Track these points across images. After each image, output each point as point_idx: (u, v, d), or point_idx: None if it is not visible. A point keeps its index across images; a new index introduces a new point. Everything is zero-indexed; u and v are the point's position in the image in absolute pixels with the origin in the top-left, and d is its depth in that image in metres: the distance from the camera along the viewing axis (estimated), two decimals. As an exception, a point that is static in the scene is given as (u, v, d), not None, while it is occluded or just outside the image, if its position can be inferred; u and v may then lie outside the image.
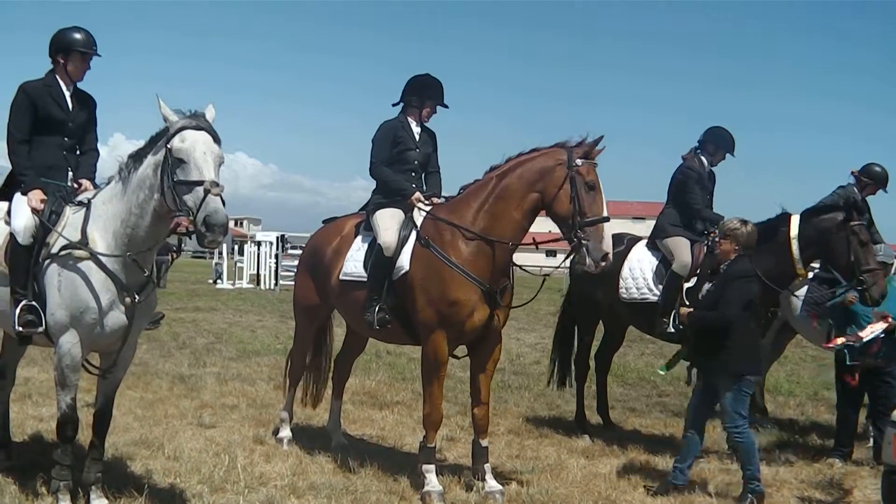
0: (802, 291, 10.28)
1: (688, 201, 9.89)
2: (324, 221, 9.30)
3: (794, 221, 9.14)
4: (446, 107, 8.59)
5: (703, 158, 10.02)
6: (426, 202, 8.20)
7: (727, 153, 10.06)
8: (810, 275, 9.87)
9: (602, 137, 7.44)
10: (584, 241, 7.20)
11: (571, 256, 7.62)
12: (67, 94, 7.16)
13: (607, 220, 7.28)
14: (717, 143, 10.02)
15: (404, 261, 7.82)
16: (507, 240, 7.57)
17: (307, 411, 10.58)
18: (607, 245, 7.21)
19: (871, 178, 10.90)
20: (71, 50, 7.07)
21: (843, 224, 8.91)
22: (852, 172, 11.02)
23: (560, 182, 7.34)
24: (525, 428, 10.50)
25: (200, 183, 5.74)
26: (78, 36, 7.07)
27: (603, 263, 7.23)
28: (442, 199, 8.37)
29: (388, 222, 8.04)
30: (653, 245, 9.93)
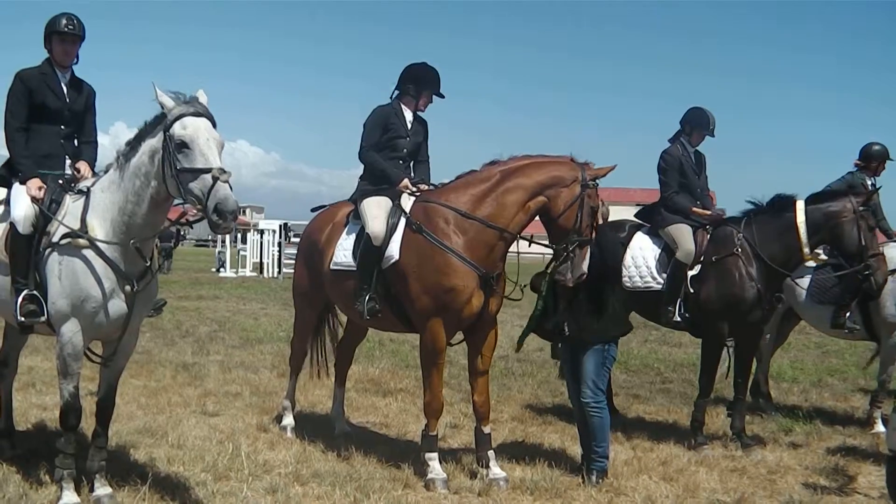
0: (807, 278, 10.30)
1: (661, 188, 10.00)
2: (313, 210, 9.27)
3: (800, 207, 9.12)
4: (442, 96, 8.59)
5: (683, 141, 10.01)
6: (414, 189, 8.20)
7: (705, 133, 9.99)
8: (811, 264, 9.85)
9: (615, 166, 7.70)
10: (570, 257, 7.47)
11: (554, 264, 7.78)
12: (63, 82, 7.14)
13: (591, 241, 7.57)
14: (692, 123, 9.98)
15: (394, 249, 7.79)
16: (508, 231, 7.60)
17: (310, 399, 10.61)
18: (586, 265, 7.48)
19: (873, 159, 10.95)
20: (51, 33, 7.06)
21: (854, 209, 8.92)
22: (855, 163, 11.06)
23: (571, 198, 7.46)
24: (529, 415, 10.49)
25: (207, 170, 5.67)
26: (57, 19, 7.05)
27: (578, 282, 7.54)
28: (431, 187, 8.35)
29: (375, 211, 8.01)
30: (654, 233, 9.89)
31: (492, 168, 7.80)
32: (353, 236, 8.27)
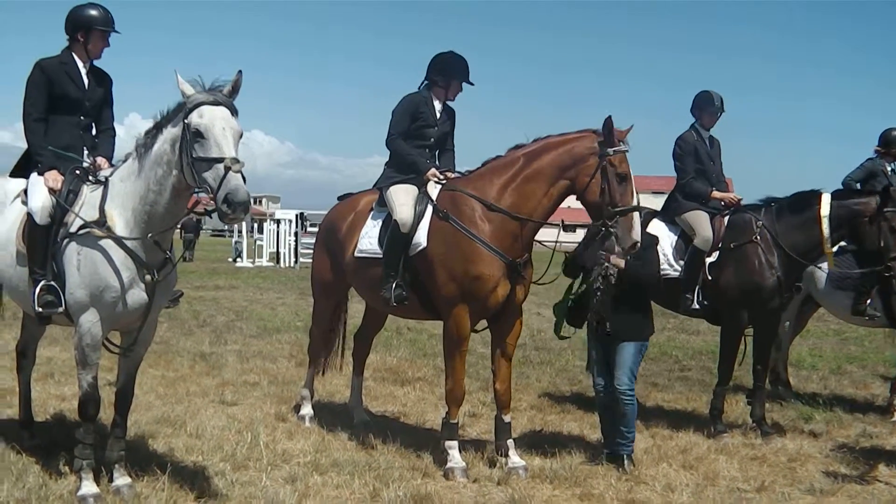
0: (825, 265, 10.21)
1: (677, 174, 9.92)
2: (339, 198, 9.26)
3: (826, 200, 9.06)
4: (472, 84, 8.52)
5: (696, 127, 9.92)
6: (442, 177, 8.15)
7: (713, 111, 9.88)
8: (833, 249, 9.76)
9: (632, 127, 7.48)
10: (612, 230, 7.20)
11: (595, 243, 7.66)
12: (84, 72, 7.12)
13: (637, 209, 7.30)
14: (701, 106, 9.90)
15: (421, 236, 7.77)
16: (533, 219, 7.55)
17: (329, 388, 10.61)
18: (636, 234, 7.20)
19: (894, 144, 10.90)
20: (91, 28, 7.02)
21: (877, 209, 8.79)
22: (875, 150, 11.00)
23: (592, 171, 7.31)
24: (547, 403, 10.47)
25: (220, 160, 5.68)
26: (96, 13, 7.02)
27: (632, 251, 7.30)
28: (457, 174, 8.31)
29: (403, 198, 7.99)
30: (670, 220, 9.84)
31: (516, 152, 7.76)
32: (378, 224, 8.25)
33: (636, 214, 7.25)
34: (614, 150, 7.27)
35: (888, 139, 10.95)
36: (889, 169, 10.88)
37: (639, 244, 7.26)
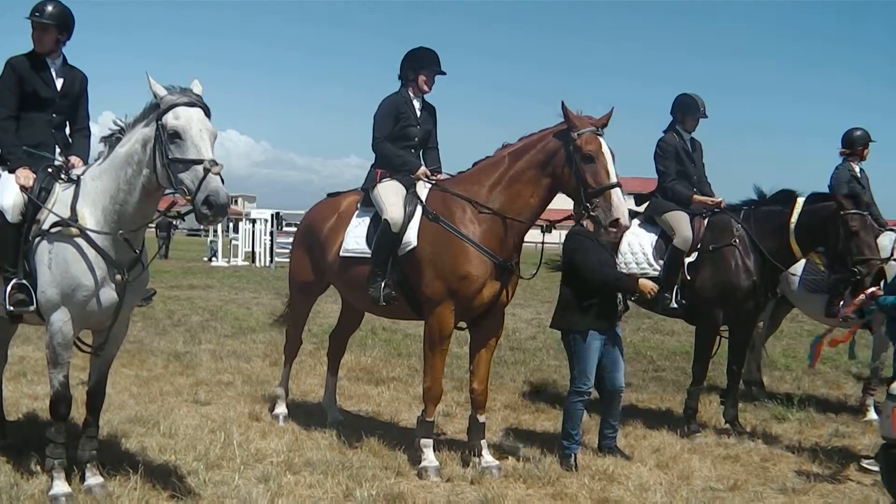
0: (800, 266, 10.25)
1: (659, 176, 9.94)
2: (329, 195, 9.19)
3: (798, 205, 9.08)
4: (443, 73, 8.50)
5: (678, 129, 9.97)
6: (432, 177, 8.14)
7: (697, 115, 9.94)
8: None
9: (612, 111, 7.48)
10: (592, 214, 7.09)
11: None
12: (54, 69, 7.06)
13: (614, 186, 7.06)
14: (682, 110, 9.96)
15: (411, 236, 7.74)
16: (523, 219, 7.54)
17: (303, 388, 10.59)
18: (617, 210, 6.95)
19: (857, 144, 10.94)
20: (31, 20, 6.96)
21: (835, 213, 8.74)
22: (840, 152, 11.04)
23: (563, 162, 7.29)
24: (521, 403, 10.49)
25: (199, 161, 5.66)
26: (38, 5, 6.94)
27: (613, 229, 7.10)
28: (445, 175, 8.30)
29: (392, 198, 7.96)
30: (650, 220, 9.86)
31: (502, 151, 7.77)
32: (364, 223, 8.22)
33: (615, 191, 7.03)
34: (578, 133, 7.22)
35: (851, 139, 10.99)
36: (857, 169, 10.93)
37: (623, 220, 7.00)
